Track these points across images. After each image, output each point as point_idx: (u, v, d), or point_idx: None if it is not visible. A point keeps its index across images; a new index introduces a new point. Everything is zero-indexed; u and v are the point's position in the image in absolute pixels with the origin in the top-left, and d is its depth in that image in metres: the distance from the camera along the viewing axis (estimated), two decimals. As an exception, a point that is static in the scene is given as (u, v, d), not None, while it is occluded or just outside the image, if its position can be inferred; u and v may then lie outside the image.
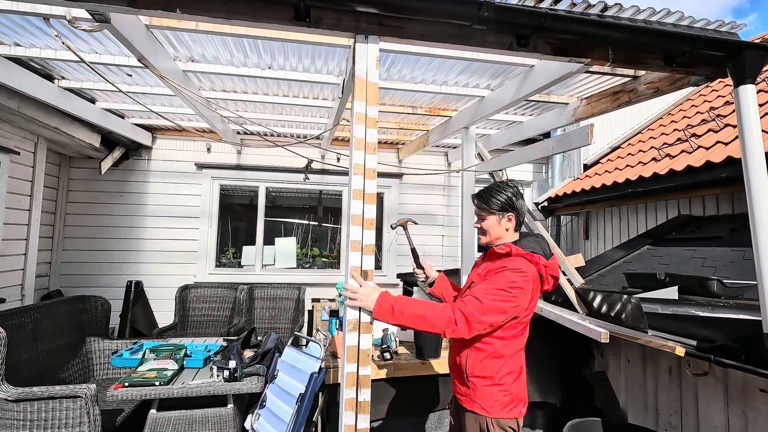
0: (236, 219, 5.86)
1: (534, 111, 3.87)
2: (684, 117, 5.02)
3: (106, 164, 4.70)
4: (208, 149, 5.14)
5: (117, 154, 4.74)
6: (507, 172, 3.53)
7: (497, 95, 3.05)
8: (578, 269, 3.59)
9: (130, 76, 3.13)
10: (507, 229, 1.79)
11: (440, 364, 3.25)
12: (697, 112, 4.82)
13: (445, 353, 3.29)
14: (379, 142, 5.58)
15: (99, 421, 2.57)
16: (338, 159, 5.45)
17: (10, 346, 2.57)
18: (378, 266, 5.73)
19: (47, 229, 4.48)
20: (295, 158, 5.23)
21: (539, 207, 5.58)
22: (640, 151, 4.87)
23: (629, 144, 5.43)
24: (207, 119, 3.55)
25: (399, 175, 5.73)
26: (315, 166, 5.24)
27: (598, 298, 2.67)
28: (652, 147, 4.68)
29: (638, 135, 5.54)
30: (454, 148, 5.67)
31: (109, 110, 4.00)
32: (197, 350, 3.13)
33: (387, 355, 3.20)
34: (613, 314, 2.56)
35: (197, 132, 4.84)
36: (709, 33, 2.01)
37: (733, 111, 4.19)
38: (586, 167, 5.56)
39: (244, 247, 5.47)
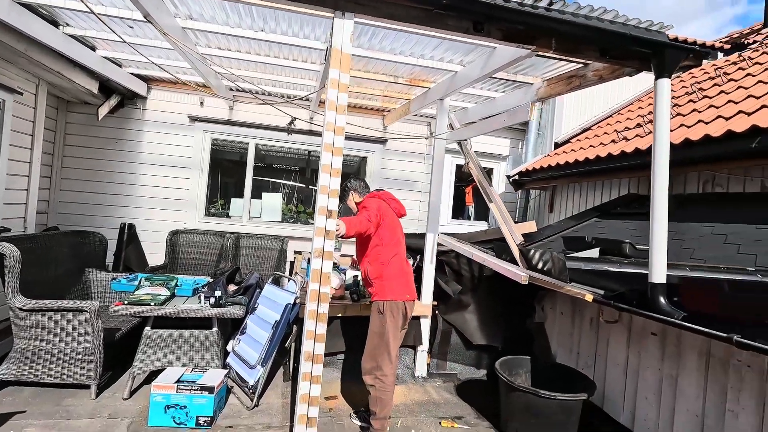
0: (226, 172, 6.17)
1: (507, 88, 4.19)
2: (650, 104, 5.39)
3: (103, 111, 4.93)
4: (201, 103, 5.38)
5: (113, 101, 4.96)
6: (471, 142, 3.89)
7: (467, 71, 3.37)
8: (530, 234, 4.04)
9: (132, 28, 3.36)
10: (354, 200, 3.02)
11: (401, 308, 3.69)
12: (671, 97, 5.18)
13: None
14: (365, 108, 5.86)
15: (101, 333, 2.99)
16: (326, 121, 5.73)
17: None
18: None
19: (46, 169, 4.75)
20: (285, 117, 5.52)
21: (510, 180, 5.99)
22: (605, 133, 5.26)
23: (598, 126, 5.80)
24: (202, 74, 3.81)
25: (383, 141, 6.05)
26: (303, 126, 5.53)
27: (536, 256, 3.12)
28: (615, 130, 5.07)
29: (608, 118, 5.91)
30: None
31: (108, 58, 4.21)
32: (187, 282, 3.54)
33: (355, 297, 3.66)
34: (545, 268, 3.02)
35: (191, 85, 5.06)
36: (637, 31, 2.36)
37: (689, 101, 4.58)
38: (557, 145, 5.95)
39: (233, 200, 5.82)
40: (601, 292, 2.70)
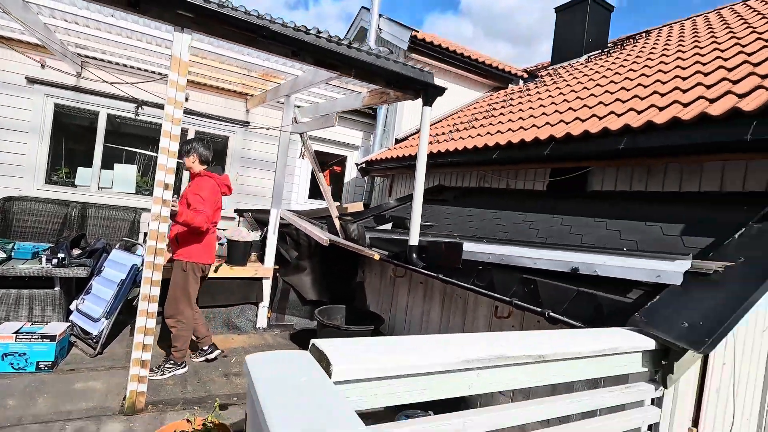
0: (73, 140, 5.93)
1: (345, 93, 5.07)
2: (467, 114, 6.88)
3: None
4: (42, 65, 5.13)
5: (-75, 50, 4.48)
6: (308, 135, 4.70)
7: (306, 76, 4.13)
8: (359, 213, 5.06)
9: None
10: (194, 163, 3.31)
11: (245, 270, 4.39)
12: (476, 112, 6.70)
13: (250, 264, 4.43)
14: (228, 91, 6.22)
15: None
16: (186, 99, 5.95)
17: None
18: (218, 201, 6.53)
19: None
20: (140, 90, 5.58)
21: (358, 167, 7.01)
22: (435, 134, 6.57)
23: (431, 128, 7.14)
24: (44, 41, 3.83)
25: (245, 123, 6.49)
26: (162, 101, 5.68)
27: (349, 227, 4.09)
28: (436, 134, 6.40)
29: (436, 123, 7.30)
30: (299, 106, 6.64)
31: None
32: (25, 246, 3.66)
33: (202, 261, 4.17)
34: (354, 237, 4.01)
35: (29, 46, 4.83)
36: (412, 72, 3.39)
37: (484, 117, 6.05)
38: (398, 141, 7.14)
39: (80, 168, 5.68)
40: (387, 253, 3.79)
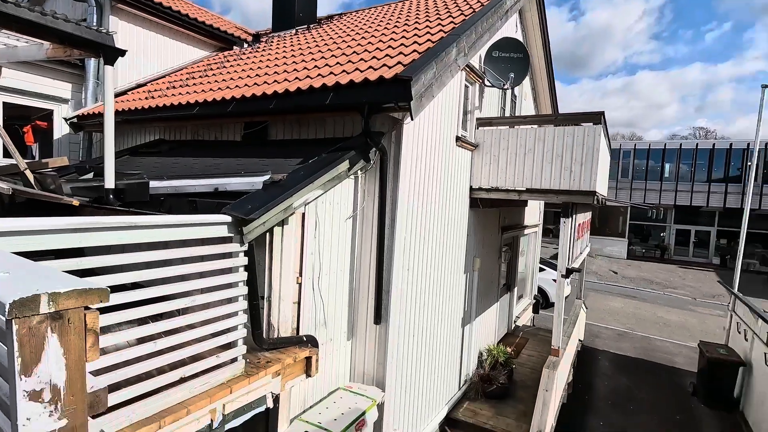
0: None
1: (27, 41, 4.82)
2: (194, 71, 7.30)
3: None
4: None
5: None
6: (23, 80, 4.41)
7: (-38, 21, 3.86)
8: (65, 167, 5.08)
9: None
10: None
11: None
12: (197, 71, 7.17)
13: None
14: None
15: None
16: None
17: None
18: None
19: None
20: None
21: (68, 122, 6.60)
22: (154, 90, 6.77)
23: (153, 83, 7.26)
24: None
25: None
26: None
27: (46, 180, 4.25)
28: (156, 89, 6.66)
29: (160, 79, 7.46)
30: (-32, 49, 5.66)
31: None
32: None
33: None
34: (52, 188, 4.22)
35: None
36: (88, 33, 3.77)
37: (206, 75, 6.63)
38: (117, 95, 7.00)
39: None
40: (87, 199, 4.21)
